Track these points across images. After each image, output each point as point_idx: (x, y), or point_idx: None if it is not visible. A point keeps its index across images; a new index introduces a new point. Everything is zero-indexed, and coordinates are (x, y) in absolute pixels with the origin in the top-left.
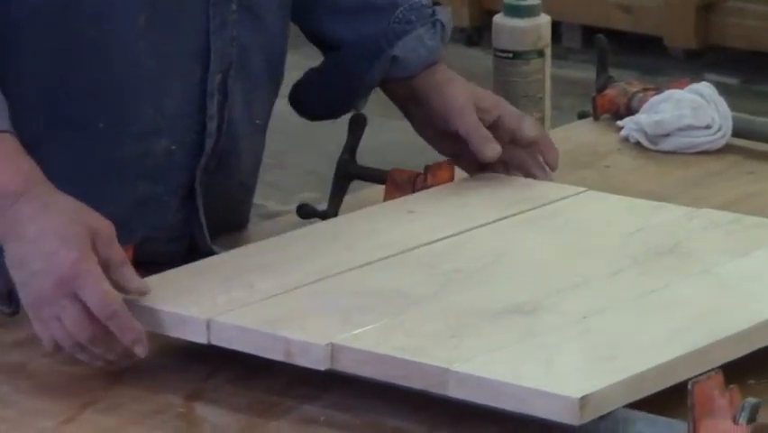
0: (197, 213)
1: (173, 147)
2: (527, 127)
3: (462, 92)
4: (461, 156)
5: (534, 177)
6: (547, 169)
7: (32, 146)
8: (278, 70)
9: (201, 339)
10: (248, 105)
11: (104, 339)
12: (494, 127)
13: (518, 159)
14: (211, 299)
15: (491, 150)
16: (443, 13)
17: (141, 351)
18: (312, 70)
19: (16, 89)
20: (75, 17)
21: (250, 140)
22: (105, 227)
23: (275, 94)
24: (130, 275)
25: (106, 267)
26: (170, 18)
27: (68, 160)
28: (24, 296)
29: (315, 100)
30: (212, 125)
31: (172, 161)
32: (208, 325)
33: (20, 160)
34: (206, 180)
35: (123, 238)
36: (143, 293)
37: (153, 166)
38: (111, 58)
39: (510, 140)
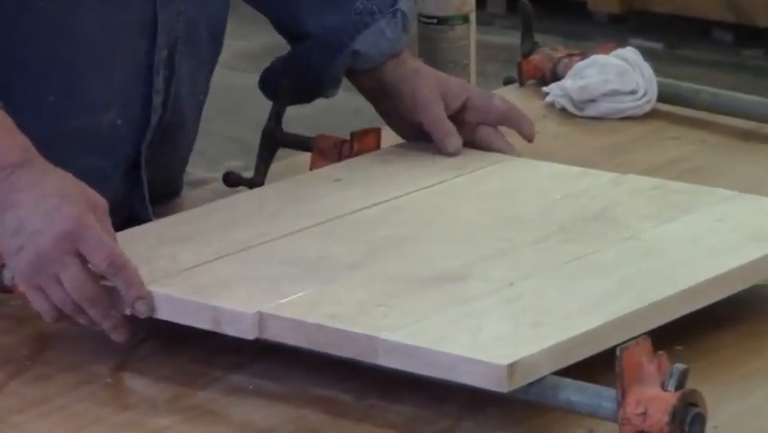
0: (141, 186)
1: (119, 121)
2: (496, 103)
3: (428, 83)
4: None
5: (501, 152)
6: (513, 144)
7: None
8: (220, 43)
9: (125, 310)
10: (193, 80)
11: (105, 300)
12: (463, 109)
13: (485, 137)
14: None
15: (451, 144)
16: (405, 1)
17: (144, 309)
18: (279, 60)
19: None
20: None
21: (193, 114)
22: (102, 202)
23: (214, 67)
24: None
25: None
26: None
27: None
28: (20, 263)
29: (284, 88)
30: (157, 100)
31: (117, 134)
32: None
33: (16, 133)
34: (150, 154)
35: None
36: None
37: (98, 139)
38: (61, 30)
39: (480, 120)
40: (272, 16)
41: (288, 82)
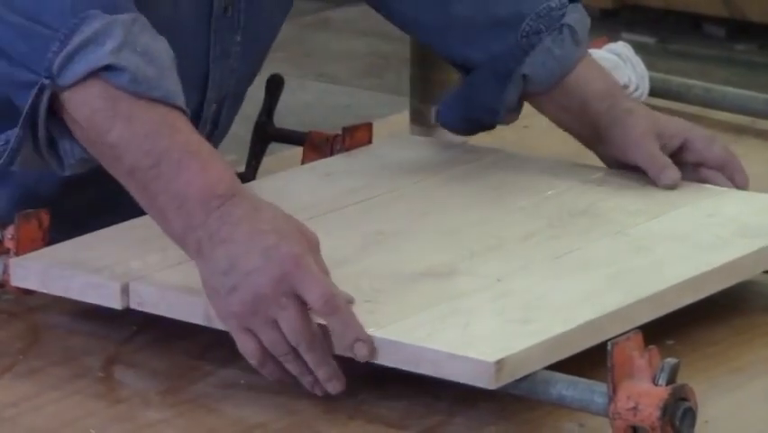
0: None
1: None
2: (716, 149)
3: (641, 123)
4: None
5: None
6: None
7: None
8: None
9: (116, 305)
10: (228, 128)
11: (323, 344)
12: (681, 150)
13: (708, 179)
14: (125, 265)
15: (668, 177)
16: (574, 12)
17: (364, 353)
18: (452, 93)
19: None
20: None
21: None
22: (315, 238)
23: None
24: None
25: None
26: (170, 42)
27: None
28: (232, 303)
29: (461, 119)
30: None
31: None
32: (125, 290)
33: (222, 163)
34: None
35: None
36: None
37: None
38: None
39: (698, 162)
40: (439, 50)
41: (463, 114)
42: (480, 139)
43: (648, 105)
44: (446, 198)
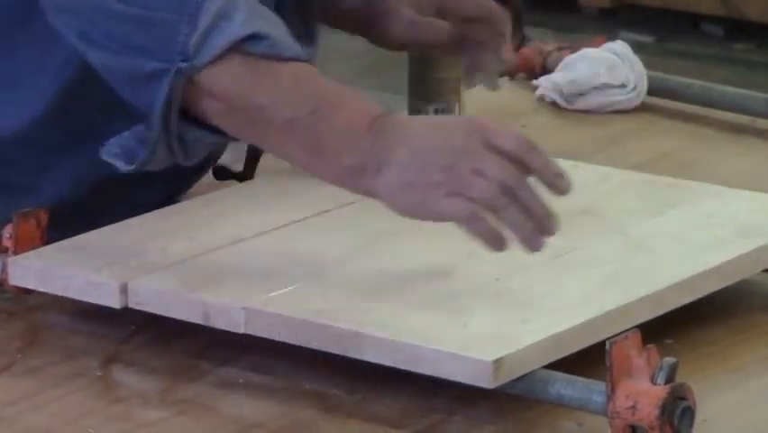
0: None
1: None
2: (473, 3)
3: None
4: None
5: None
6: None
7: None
8: None
9: (115, 304)
10: None
11: (526, 184)
12: (442, 9)
13: (472, 33)
14: (124, 264)
15: (437, 33)
16: None
17: (564, 186)
18: None
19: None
20: None
21: None
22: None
23: None
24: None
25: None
26: None
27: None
28: (432, 176)
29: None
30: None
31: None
32: (124, 289)
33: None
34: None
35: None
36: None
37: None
38: None
39: (461, 15)
40: None
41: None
42: None
43: (646, 104)
44: None
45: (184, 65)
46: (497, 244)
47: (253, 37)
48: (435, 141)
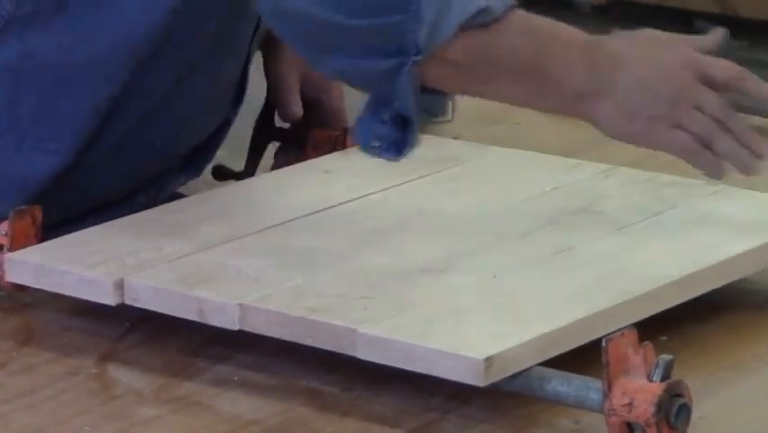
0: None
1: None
2: (340, 123)
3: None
4: None
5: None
6: None
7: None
8: None
9: (110, 301)
10: None
11: (735, 114)
12: (309, 106)
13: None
14: (119, 261)
15: (286, 114)
16: None
17: None
18: None
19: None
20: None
21: None
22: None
23: None
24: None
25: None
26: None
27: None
28: (659, 108)
29: None
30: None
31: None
32: (120, 285)
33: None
34: None
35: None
36: None
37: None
38: (178, 89)
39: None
40: None
41: None
42: (474, 136)
43: None
44: (444, 194)
45: (417, 57)
46: (718, 173)
47: (474, 14)
48: (656, 73)
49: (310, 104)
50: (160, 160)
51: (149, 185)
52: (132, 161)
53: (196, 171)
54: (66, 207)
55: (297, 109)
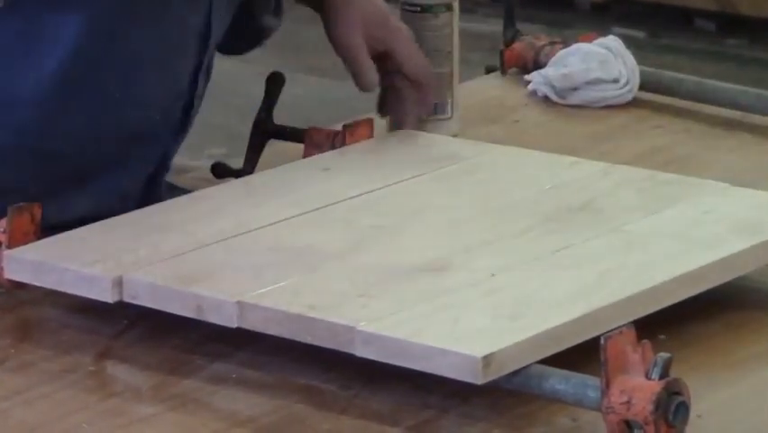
0: (160, 190)
1: (159, 121)
2: (414, 65)
3: (351, 16)
4: None
5: (407, 110)
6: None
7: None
8: None
9: (108, 298)
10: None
11: None
12: (385, 55)
13: (400, 89)
14: (118, 258)
15: (364, 82)
16: None
17: None
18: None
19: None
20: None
21: None
22: None
23: None
24: None
25: None
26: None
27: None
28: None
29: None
30: (197, 104)
31: (155, 134)
32: (118, 282)
33: None
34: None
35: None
36: None
37: (142, 136)
38: (125, 41)
39: (397, 71)
40: None
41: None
42: (471, 134)
43: (639, 99)
44: (443, 192)
45: None
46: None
47: None
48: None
49: (382, 58)
50: (131, 113)
51: (136, 146)
52: (94, 112)
53: (184, 127)
54: (53, 176)
55: (373, 75)
